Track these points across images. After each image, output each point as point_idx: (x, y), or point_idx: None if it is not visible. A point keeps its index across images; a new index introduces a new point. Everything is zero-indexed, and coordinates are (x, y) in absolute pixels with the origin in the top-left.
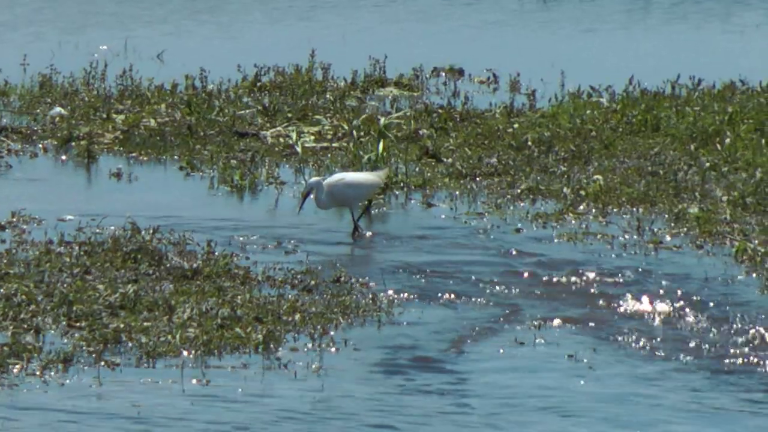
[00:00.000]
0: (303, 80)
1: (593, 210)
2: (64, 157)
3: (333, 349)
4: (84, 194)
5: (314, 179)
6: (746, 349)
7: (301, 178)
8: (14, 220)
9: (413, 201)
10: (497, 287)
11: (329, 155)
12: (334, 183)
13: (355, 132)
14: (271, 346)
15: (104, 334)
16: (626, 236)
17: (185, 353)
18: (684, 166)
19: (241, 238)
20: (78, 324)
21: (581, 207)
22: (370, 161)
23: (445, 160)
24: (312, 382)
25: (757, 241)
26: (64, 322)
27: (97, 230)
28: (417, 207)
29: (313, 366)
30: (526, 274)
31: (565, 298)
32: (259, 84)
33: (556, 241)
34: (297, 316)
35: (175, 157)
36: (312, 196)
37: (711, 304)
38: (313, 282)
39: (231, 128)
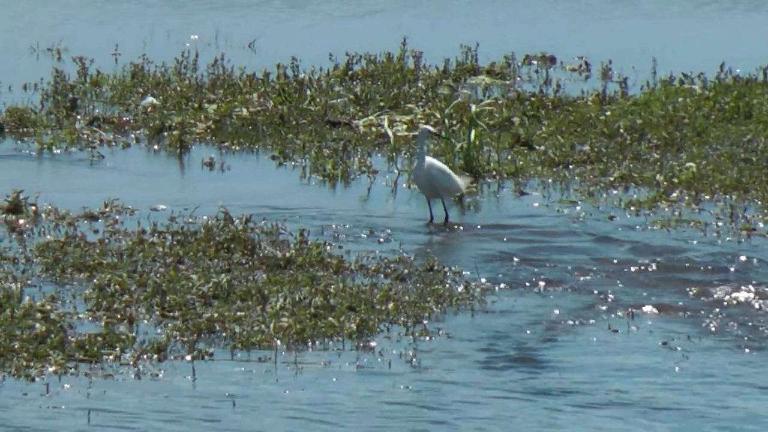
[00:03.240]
0: (395, 68)
1: (686, 197)
2: (156, 147)
3: (426, 338)
4: (176, 184)
5: (426, 126)
6: None
7: (393, 166)
8: (107, 210)
9: (506, 189)
10: (590, 275)
11: None
12: (434, 165)
13: (447, 120)
14: (365, 335)
15: (197, 323)
16: (719, 223)
17: (279, 342)
18: None
19: (334, 227)
20: (171, 314)
21: (674, 194)
22: (462, 149)
23: (537, 147)
24: (405, 370)
25: None
26: (157, 312)
27: (190, 220)
28: (509, 195)
29: (407, 355)
30: (618, 262)
31: (658, 285)
32: (350, 72)
33: (649, 228)
34: (390, 305)
35: (268, 146)
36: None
37: None
38: (406, 271)
39: (323, 117)
